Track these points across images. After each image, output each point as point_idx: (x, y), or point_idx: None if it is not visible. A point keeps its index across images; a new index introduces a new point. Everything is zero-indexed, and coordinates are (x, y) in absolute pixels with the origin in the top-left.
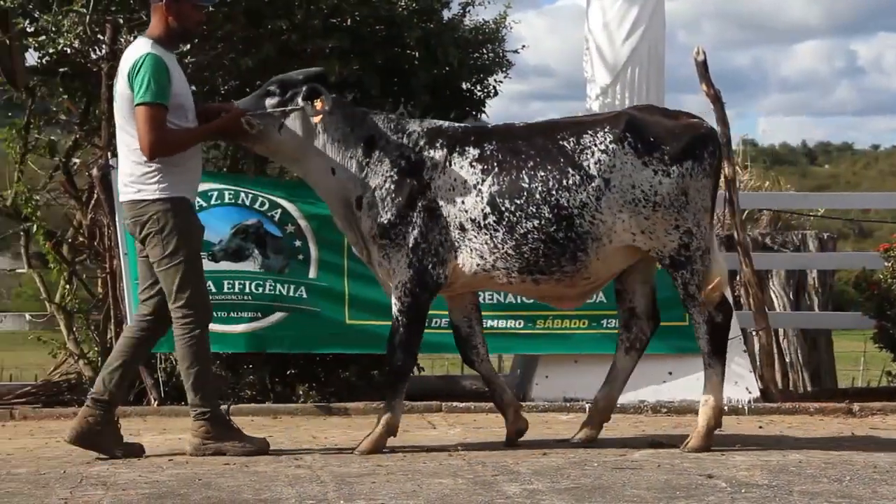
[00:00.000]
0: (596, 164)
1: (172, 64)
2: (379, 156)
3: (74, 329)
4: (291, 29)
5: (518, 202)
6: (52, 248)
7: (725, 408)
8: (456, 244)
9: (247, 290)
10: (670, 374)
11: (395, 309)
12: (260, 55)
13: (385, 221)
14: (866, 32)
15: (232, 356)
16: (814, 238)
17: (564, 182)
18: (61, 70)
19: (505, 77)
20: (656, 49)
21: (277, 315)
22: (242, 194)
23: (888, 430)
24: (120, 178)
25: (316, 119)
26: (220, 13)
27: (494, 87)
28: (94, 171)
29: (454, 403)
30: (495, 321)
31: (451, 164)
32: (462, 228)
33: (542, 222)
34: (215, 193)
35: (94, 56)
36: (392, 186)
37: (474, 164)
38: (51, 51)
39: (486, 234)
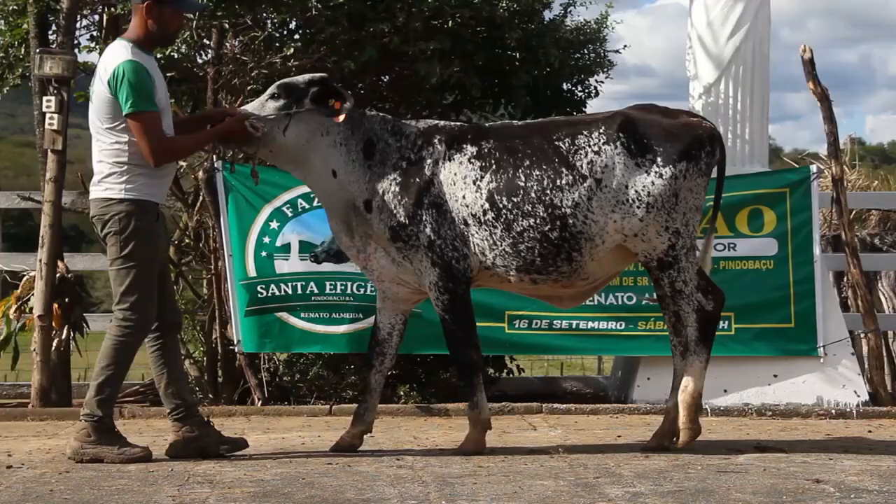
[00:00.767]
0: (588, 164)
1: (152, 66)
2: (380, 157)
3: None
4: (393, 32)
5: (514, 200)
6: None
7: (833, 411)
8: (465, 238)
9: (348, 291)
10: (775, 376)
11: (438, 310)
12: (362, 58)
13: (395, 224)
14: None
15: (334, 357)
16: None
17: (558, 182)
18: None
19: (606, 77)
20: (761, 47)
21: None
22: None
23: None
24: (94, 176)
25: (339, 118)
26: (322, 17)
27: (595, 88)
28: (200, 174)
29: (555, 405)
30: (596, 322)
31: (450, 160)
32: (465, 223)
33: (537, 221)
34: None
35: (199, 60)
36: (397, 188)
37: (472, 160)
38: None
39: (485, 230)
